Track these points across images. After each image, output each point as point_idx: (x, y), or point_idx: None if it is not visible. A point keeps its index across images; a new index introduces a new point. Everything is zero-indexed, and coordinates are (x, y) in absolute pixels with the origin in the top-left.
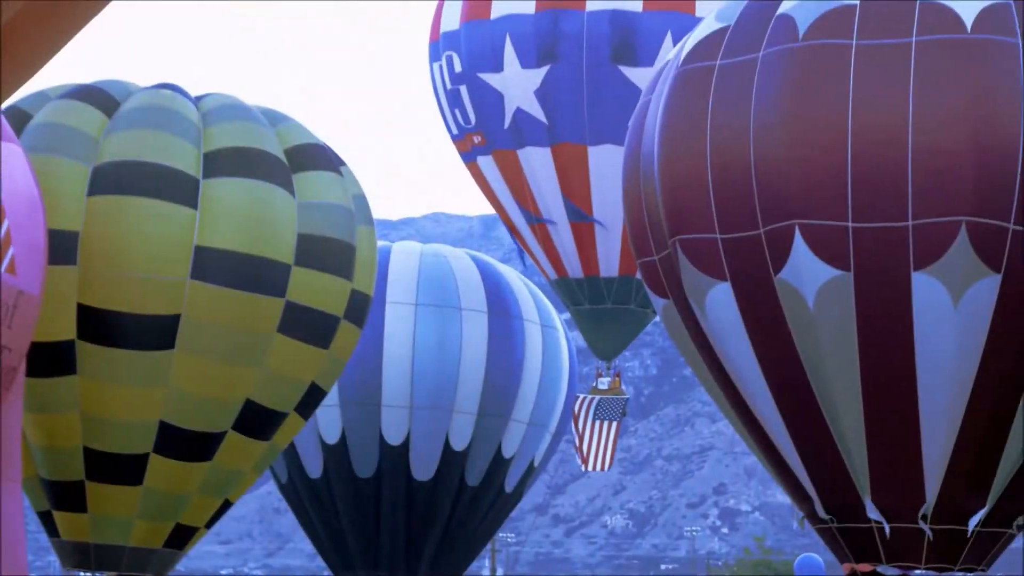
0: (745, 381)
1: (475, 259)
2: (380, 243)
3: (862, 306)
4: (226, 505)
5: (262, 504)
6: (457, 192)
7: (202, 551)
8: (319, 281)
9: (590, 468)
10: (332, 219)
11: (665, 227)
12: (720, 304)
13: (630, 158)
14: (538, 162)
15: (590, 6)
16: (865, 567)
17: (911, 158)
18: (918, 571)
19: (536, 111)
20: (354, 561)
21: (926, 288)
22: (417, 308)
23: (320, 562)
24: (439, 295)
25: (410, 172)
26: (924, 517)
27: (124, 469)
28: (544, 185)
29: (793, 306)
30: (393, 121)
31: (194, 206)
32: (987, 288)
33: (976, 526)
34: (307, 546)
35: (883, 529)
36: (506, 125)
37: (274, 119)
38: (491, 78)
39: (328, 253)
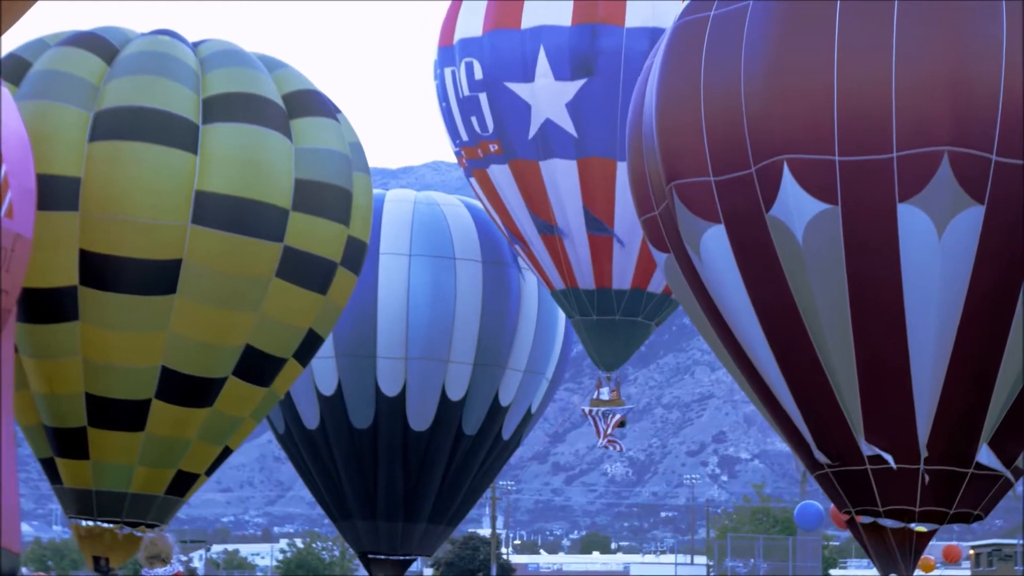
0: (740, 325)
1: (469, 207)
2: (374, 191)
3: (849, 239)
4: (226, 452)
5: (263, 452)
6: None
7: (203, 499)
8: (316, 226)
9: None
10: (329, 165)
11: (662, 175)
12: (714, 247)
13: (634, 120)
14: (562, 174)
15: (630, 22)
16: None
17: (895, 90)
18: (914, 524)
19: (567, 124)
20: (352, 511)
21: (911, 219)
22: (411, 259)
23: (321, 511)
24: (433, 245)
25: (410, 120)
26: (918, 457)
27: (126, 415)
28: (565, 197)
29: (784, 243)
30: (394, 69)
31: (194, 151)
32: (971, 219)
33: (974, 467)
34: (308, 494)
35: (878, 472)
36: (531, 136)
37: (271, 65)
38: (519, 88)
39: (325, 198)
